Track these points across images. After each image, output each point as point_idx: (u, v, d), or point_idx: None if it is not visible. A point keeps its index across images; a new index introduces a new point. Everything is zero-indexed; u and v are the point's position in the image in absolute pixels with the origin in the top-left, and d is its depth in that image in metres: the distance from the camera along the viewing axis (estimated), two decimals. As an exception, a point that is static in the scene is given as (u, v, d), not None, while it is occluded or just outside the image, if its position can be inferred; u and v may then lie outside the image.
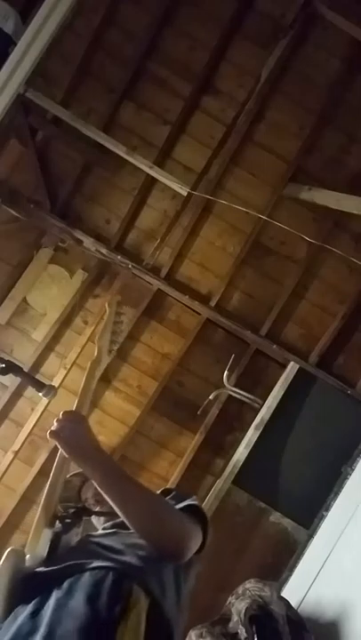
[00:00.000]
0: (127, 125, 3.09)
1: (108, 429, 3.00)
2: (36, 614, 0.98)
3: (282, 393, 2.89)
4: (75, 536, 1.25)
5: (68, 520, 1.23)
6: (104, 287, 3.10)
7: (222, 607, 2.13)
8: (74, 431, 1.17)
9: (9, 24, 2.85)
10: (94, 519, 1.41)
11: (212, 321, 3.07)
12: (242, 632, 1.92)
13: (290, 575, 2.62)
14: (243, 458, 2.83)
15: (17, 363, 2.16)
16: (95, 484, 1.16)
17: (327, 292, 3.10)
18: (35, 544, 1.14)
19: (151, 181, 3.07)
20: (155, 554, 1.09)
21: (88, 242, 3.05)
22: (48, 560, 1.12)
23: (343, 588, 2.11)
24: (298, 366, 2.94)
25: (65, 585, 1.02)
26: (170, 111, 3.08)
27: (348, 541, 2.32)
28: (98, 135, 2.95)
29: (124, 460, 2.96)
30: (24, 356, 3.02)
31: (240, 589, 2.15)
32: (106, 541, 1.17)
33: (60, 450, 1.18)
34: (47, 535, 1.15)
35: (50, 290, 3.08)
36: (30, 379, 2.18)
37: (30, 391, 2.89)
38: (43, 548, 1.13)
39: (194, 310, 3.07)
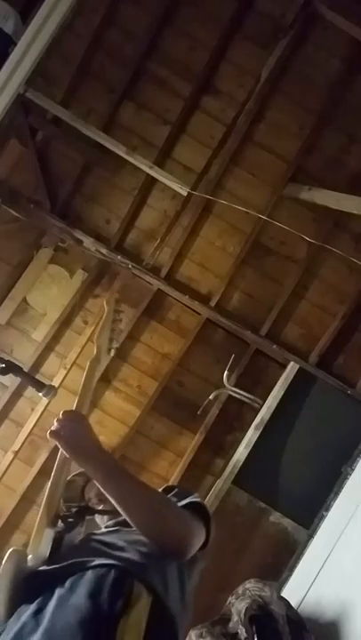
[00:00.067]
0: (127, 125, 3.09)
1: (108, 429, 2.99)
2: (38, 613, 0.99)
3: (282, 393, 2.89)
4: (78, 535, 1.25)
5: (70, 519, 1.23)
6: (104, 287, 3.10)
7: (222, 607, 2.13)
8: (74, 431, 1.16)
9: (9, 24, 2.85)
10: (98, 518, 1.41)
11: (212, 321, 3.07)
12: (242, 632, 1.91)
13: (290, 575, 2.62)
14: (243, 458, 2.83)
15: (17, 363, 2.16)
16: (97, 484, 1.16)
17: (327, 292, 3.10)
18: (37, 544, 1.15)
19: (151, 181, 3.07)
20: (157, 551, 1.09)
21: (88, 242, 3.05)
22: (50, 559, 1.12)
23: (343, 588, 2.11)
24: (298, 366, 2.94)
25: (67, 583, 1.02)
26: (170, 111, 3.08)
27: (348, 541, 2.32)
28: (98, 135, 2.95)
29: (124, 460, 2.96)
30: (24, 356, 3.02)
31: (240, 589, 2.15)
32: (108, 539, 1.17)
33: (61, 450, 1.18)
34: (49, 535, 1.15)
35: (50, 290, 3.08)
36: (30, 379, 2.17)
37: (30, 391, 2.89)
38: (45, 548, 1.13)
39: (194, 310, 3.07)
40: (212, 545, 1.23)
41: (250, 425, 2.91)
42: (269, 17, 3.03)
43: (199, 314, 3.06)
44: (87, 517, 1.33)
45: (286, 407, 2.89)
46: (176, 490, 1.32)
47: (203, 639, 1.98)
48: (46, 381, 2.25)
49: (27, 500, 2.95)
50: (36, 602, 1.02)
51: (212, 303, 3.08)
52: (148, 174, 3.01)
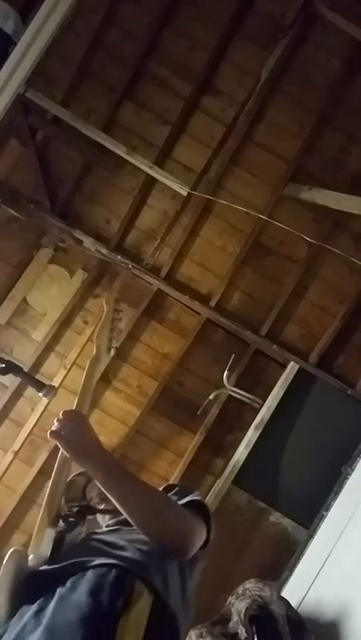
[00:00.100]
0: (127, 125, 3.09)
1: (108, 429, 2.99)
2: (40, 612, 0.99)
3: (282, 393, 2.89)
4: (79, 535, 1.25)
5: (71, 519, 1.23)
6: (104, 287, 3.09)
7: (222, 607, 2.13)
8: (74, 430, 1.16)
9: (9, 24, 2.85)
10: (99, 517, 1.41)
11: (212, 321, 3.07)
12: (242, 632, 1.91)
13: (290, 575, 2.62)
14: (243, 458, 2.83)
15: (17, 363, 2.16)
16: (97, 483, 1.16)
17: (327, 292, 3.10)
18: (38, 543, 1.15)
19: (151, 181, 3.07)
20: (158, 549, 1.10)
21: (88, 242, 3.05)
22: (52, 559, 1.12)
23: (343, 588, 2.11)
24: (298, 366, 2.94)
25: (68, 583, 1.03)
26: (170, 111, 3.08)
27: (348, 541, 2.32)
28: (98, 135, 2.95)
29: (124, 460, 2.96)
30: (24, 356, 3.02)
31: (240, 589, 2.15)
32: (108, 538, 1.17)
33: (61, 450, 1.18)
34: (50, 535, 1.15)
35: (50, 290, 3.08)
36: (30, 379, 2.18)
37: (30, 391, 2.89)
38: (46, 548, 1.13)
39: (194, 310, 3.07)
40: (213, 543, 1.23)
41: (250, 425, 2.91)
42: (269, 17, 3.03)
43: (199, 314, 3.06)
44: (88, 517, 1.33)
45: (286, 407, 2.89)
46: (177, 488, 1.32)
47: (203, 639, 1.98)
48: (46, 381, 2.26)
49: (27, 499, 2.94)
50: (37, 602, 1.02)
51: (212, 303, 3.08)
52: (148, 174, 3.01)
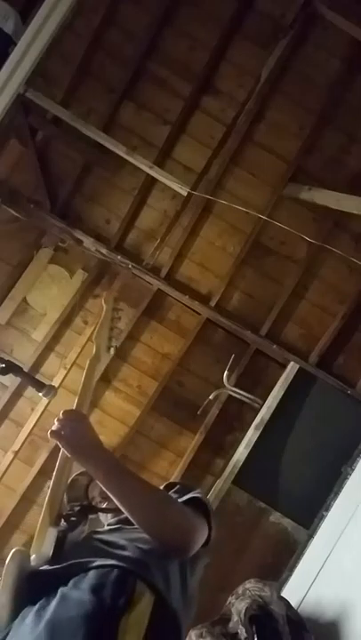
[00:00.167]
0: (127, 125, 3.09)
1: (108, 429, 2.99)
2: (41, 610, 0.99)
3: (282, 393, 2.89)
4: (81, 534, 1.25)
5: (73, 518, 1.23)
6: (104, 287, 3.09)
7: (222, 607, 2.13)
8: (75, 430, 1.16)
9: (9, 24, 2.85)
10: (102, 516, 1.41)
11: (212, 321, 3.07)
12: (242, 632, 1.91)
13: (290, 575, 2.61)
14: (243, 458, 2.83)
15: (17, 363, 2.16)
16: (98, 482, 1.16)
17: (327, 292, 3.11)
18: (40, 543, 1.15)
19: (151, 181, 3.07)
20: (159, 548, 1.09)
21: (88, 242, 3.05)
22: (54, 559, 1.12)
23: (343, 588, 2.11)
24: (298, 366, 2.94)
25: (70, 583, 1.02)
26: (170, 111, 3.08)
27: (348, 541, 2.32)
28: (98, 135, 2.95)
29: (124, 460, 2.95)
30: (24, 356, 3.02)
31: (240, 589, 2.15)
32: (109, 538, 1.17)
33: (62, 449, 1.18)
34: (52, 534, 1.15)
35: (50, 290, 3.08)
36: (30, 379, 2.17)
37: (30, 391, 2.89)
38: (48, 548, 1.13)
39: (194, 310, 3.07)
40: (214, 541, 1.23)
41: (250, 425, 2.91)
42: (269, 17, 3.03)
43: (199, 314, 3.06)
44: (90, 516, 1.32)
45: (286, 407, 2.89)
46: (178, 486, 1.32)
47: (203, 639, 1.98)
48: (46, 381, 2.25)
49: (27, 499, 2.94)
50: (39, 602, 1.02)
51: (212, 303, 3.08)
52: (148, 174, 3.01)
